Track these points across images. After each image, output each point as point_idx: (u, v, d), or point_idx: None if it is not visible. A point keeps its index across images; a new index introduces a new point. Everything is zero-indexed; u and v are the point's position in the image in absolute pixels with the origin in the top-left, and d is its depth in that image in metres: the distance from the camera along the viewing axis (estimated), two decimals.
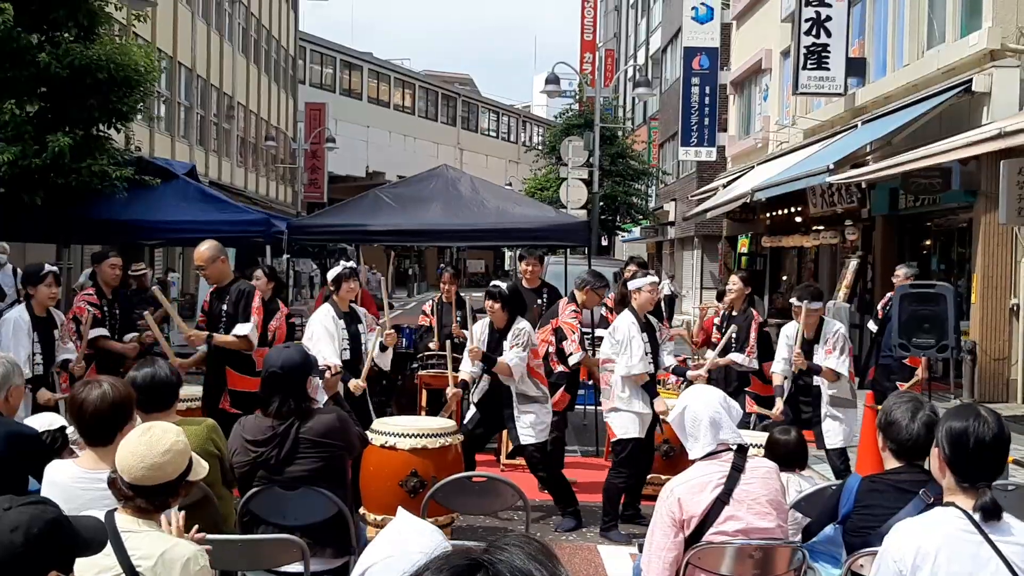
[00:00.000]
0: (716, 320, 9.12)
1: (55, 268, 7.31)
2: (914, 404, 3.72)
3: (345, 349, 7.03)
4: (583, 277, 8.27)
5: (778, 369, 7.62)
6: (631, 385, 6.95)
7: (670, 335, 7.42)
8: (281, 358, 4.44)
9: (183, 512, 3.24)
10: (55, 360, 7.04)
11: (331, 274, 7.27)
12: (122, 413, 3.60)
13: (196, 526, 3.27)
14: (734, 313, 8.83)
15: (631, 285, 7.26)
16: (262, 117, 39.64)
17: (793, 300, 7.58)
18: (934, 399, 8.48)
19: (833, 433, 7.35)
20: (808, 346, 7.42)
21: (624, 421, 6.99)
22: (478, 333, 7.15)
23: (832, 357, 7.31)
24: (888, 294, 10.42)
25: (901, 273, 9.95)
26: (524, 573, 1.44)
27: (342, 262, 7.49)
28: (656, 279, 7.41)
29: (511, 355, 6.89)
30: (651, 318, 7.22)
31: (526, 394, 7.04)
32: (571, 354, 7.84)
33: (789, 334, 7.56)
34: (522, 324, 7.06)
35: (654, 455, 7.35)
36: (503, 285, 7.15)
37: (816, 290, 7.80)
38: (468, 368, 7.12)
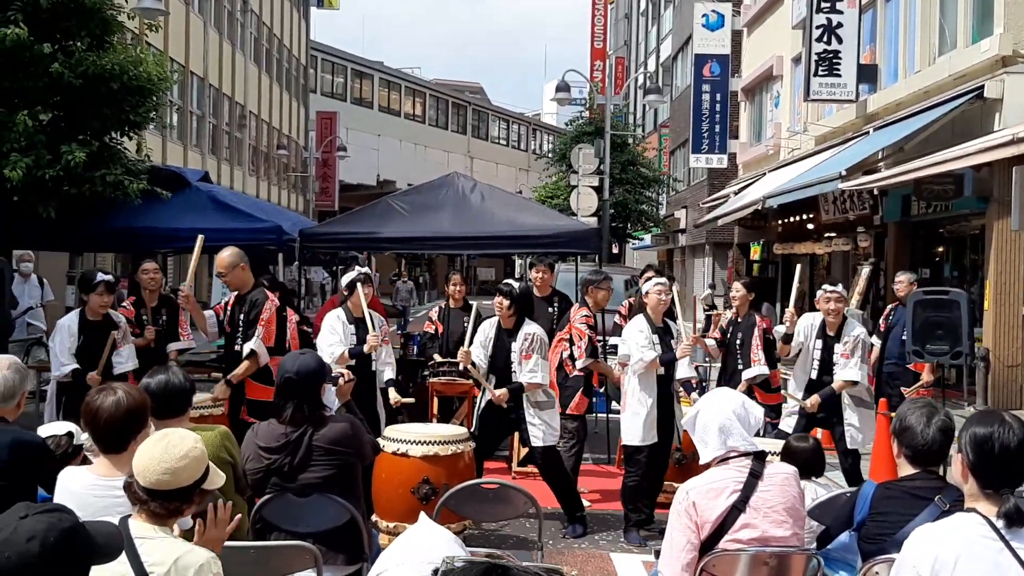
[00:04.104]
0: (723, 324, 9.12)
1: (108, 277, 7.64)
2: (928, 410, 3.70)
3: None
4: (584, 278, 8.49)
5: (793, 384, 7.67)
6: (642, 384, 7.00)
7: (684, 351, 7.36)
8: (297, 364, 4.44)
9: (230, 504, 3.26)
10: (104, 359, 7.39)
11: (345, 279, 7.34)
12: (136, 420, 3.60)
13: (239, 515, 3.28)
14: (739, 320, 8.80)
15: (643, 289, 7.37)
16: (274, 126, 39.76)
17: (825, 288, 7.59)
18: (947, 406, 8.44)
19: (854, 434, 7.35)
20: (828, 344, 7.47)
21: (628, 425, 7.07)
22: (485, 334, 7.24)
23: (848, 363, 7.32)
24: (889, 306, 10.38)
25: (904, 279, 9.86)
26: None
27: (356, 267, 7.54)
28: (664, 281, 7.46)
29: (533, 370, 7.01)
30: (669, 322, 7.26)
31: (536, 400, 7.11)
32: (578, 359, 7.90)
33: (810, 323, 7.60)
34: (531, 328, 7.16)
35: (668, 458, 7.34)
36: (514, 284, 7.28)
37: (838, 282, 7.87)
38: (478, 353, 7.23)
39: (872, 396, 7.66)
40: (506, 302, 7.10)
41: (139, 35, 15.54)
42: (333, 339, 7.14)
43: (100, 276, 7.51)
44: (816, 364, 7.55)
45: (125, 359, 7.51)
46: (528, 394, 7.10)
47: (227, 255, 7.18)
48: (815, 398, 7.35)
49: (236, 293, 7.29)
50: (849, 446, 7.37)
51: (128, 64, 10.31)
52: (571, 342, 7.97)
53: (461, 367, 7.33)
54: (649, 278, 7.96)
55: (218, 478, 3.24)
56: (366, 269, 7.61)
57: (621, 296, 12.51)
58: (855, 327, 7.55)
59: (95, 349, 7.38)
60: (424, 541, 2.56)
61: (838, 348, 7.43)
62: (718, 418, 3.85)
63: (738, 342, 8.54)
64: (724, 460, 3.81)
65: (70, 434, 4.31)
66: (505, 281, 7.35)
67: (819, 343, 7.53)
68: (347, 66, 52.98)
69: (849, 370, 7.31)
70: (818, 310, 7.75)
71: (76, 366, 7.29)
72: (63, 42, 10.31)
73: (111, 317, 7.56)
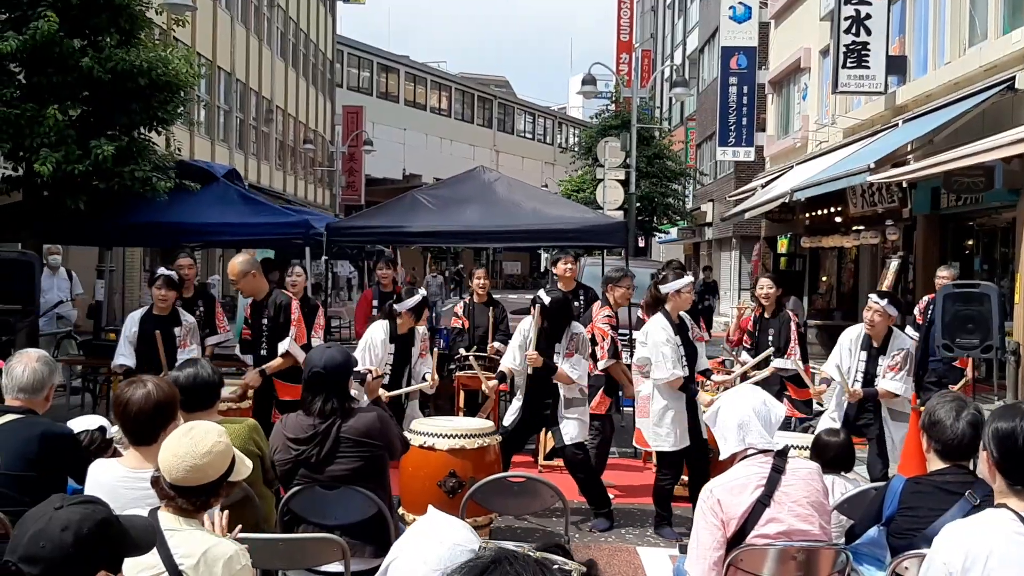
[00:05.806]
0: (750, 324, 9.00)
1: (171, 273, 7.78)
2: (958, 404, 3.67)
3: (386, 374, 6.99)
4: (605, 275, 8.45)
5: (829, 368, 7.30)
6: (666, 393, 6.90)
7: (698, 336, 7.31)
8: (324, 358, 4.46)
9: (226, 512, 3.26)
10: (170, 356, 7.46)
11: (411, 303, 7.32)
12: (166, 413, 3.64)
13: (239, 526, 3.29)
14: (767, 316, 8.70)
15: (669, 287, 7.09)
16: (300, 120, 39.91)
17: (871, 297, 7.24)
18: (977, 400, 8.36)
19: (894, 445, 7.14)
20: (874, 356, 7.12)
21: (657, 432, 6.95)
22: (525, 330, 7.16)
23: (895, 376, 6.98)
24: (926, 297, 10.22)
25: (947, 274, 9.71)
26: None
27: (420, 291, 7.56)
28: (691, 279, 7.32)
29: (571, 365, 6.97)
30: (685, 317, 7.16)
31: (570, 397, 7.09)
32: (600, 360, 7.86)
33: (852, 337, 7.24)
34: (578, 329, 7.15)
35: (708, 454, 7.04)
36: (545, 298, 7.09)
37: (895, 298, 7.47)
38: (509, 362, 7.18)
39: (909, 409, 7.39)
40: (538, 314, 7.04)
41: (167, 30, 15.62)
42: (364, 358, 7.04)
43: (161, 271, 7.58)
44: (860, 376, 7.15)
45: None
46: (564, 391, 7.07)
47: (238, 263, 7.19)
48: (858, 388, 7.06)
49: (252, 300, 7.32)
50: (889, 451, 7.16)
51: (156, 60, 10.38)
52: (593, 342, 7.88)
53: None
54: (665, 277, 7.82)
55: (244, 468, 3.25)
56: (423, 291, 7.68)
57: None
58: (905, 341, 7.19)
59: (151, 342, 7.44)
60: (435, 529, 2.56)
61: (883, 360, 7.07)
62: (737, 414, 3.84)
63: (770, 339, 8.46)
64: (745, 456, 3.80)
65: (102, 428, 4.35)
66: (537, 295, 7.21)
67: (863, 355, 7.16)
68: (373, 60, 53.10)
69: (894, 382, 6.97)
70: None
71: (129, 363, 7.37)
72: (92, 37, 10.39)
73: (178, 314, 7.62)
